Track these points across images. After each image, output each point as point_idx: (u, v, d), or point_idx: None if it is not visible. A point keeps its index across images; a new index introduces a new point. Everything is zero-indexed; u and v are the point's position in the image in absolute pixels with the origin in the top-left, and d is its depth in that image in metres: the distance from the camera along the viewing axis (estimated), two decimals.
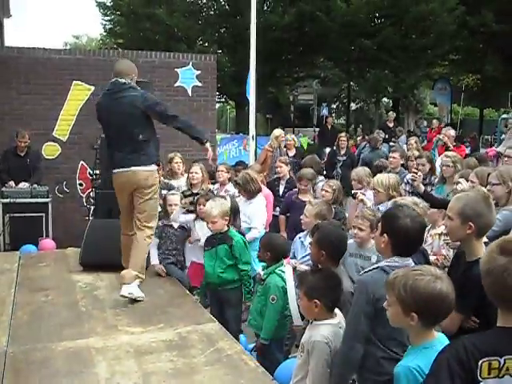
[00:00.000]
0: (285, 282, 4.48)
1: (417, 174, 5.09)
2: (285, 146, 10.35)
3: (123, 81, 5.15)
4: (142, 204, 5.21)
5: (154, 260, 5.89)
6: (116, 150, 5.23)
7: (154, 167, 5.24)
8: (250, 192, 6.40)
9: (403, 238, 3.00)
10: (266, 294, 4.52)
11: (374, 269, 3.02)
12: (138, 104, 5.07)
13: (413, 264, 2.98)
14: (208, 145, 5.28)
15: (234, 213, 5.45)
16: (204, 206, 5.71)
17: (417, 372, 2.33)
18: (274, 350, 4.52)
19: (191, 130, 5.29)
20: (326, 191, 6.09)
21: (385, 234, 3.02)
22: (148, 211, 5.24)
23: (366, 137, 15.26)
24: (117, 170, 5.24)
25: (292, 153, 10.36)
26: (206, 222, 5.35)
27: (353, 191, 5.87)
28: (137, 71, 5.39)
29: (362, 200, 5.60)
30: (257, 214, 6.34)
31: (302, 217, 5.23)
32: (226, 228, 5.25)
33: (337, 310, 3.24)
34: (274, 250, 4.64)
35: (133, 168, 5.13)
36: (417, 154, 7.85)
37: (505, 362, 1.98)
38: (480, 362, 1.98)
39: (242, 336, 4.77)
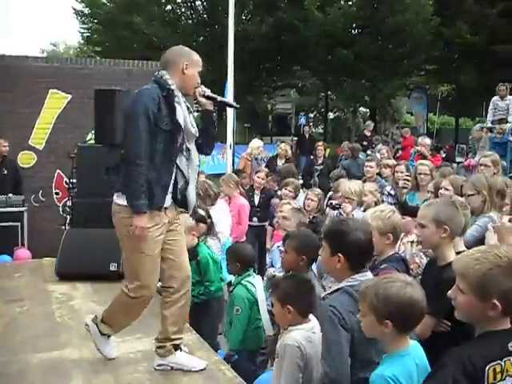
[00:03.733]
0: (250, 293, 4.50)
1: (408, 181, 5.18)
2: (277, 154, 10.47)
3: (155, 73, 3.79)
4: (123, 251, 3.85)
5: None
6: None
7: (118, 206, 3.61)
8: (211, 198, 6.41)
9: (358, 253, 2.92)
10: (233, 306, 4.54)
11: (334, 291, 2.94)
12: (125, 106, 3.75)
13: (371, 276, 2.96)
14: (140, 220, 3.46)
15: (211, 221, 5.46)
16: None
17: (392, 381, 2.34)
18: (244, 361, 4.48)
19: (128, 190, 3.53)
20: (312, 200, 6.11)
21: (339, 254, 2.91)
22: (127, 263, 3.84)
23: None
24: None
25: (282, 161, 10.44)
26: None
27: (333, 202, 5.87)
28: (192, 59, 3.77)
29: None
30: (221, 218, 6.33)
31: (281, 233, 5.19)
32: (194, 242, 5.15)
33: (311, 316, 3.25)
34: (243, 260, 4.66)
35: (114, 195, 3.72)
36: (394, 162, 7.96)
37: (505, 364, 2.04)
38: (486, 369, 2.02)
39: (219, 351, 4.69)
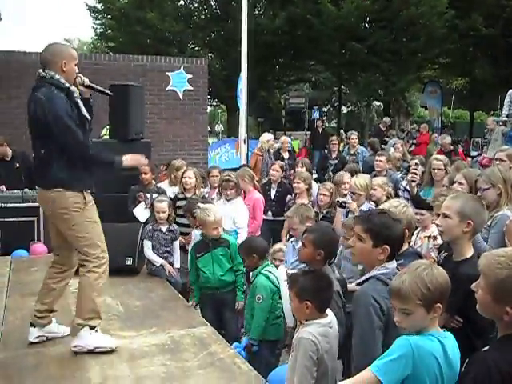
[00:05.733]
0: (271, 282, 4.52)
1: (416, 174, 5.16)
2: (279, 149, 10.45)
3: (43, 74, 3.99)
4: (68, 236, 4.11)
5: (159, 260, 5.94)
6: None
7: (61, 191, 4.00)
8: (238, 190, 6.44)
9: (400, 244, 3.05)
10: (254, 296, 4.55)
11: (366, 280, 2.95)
12: (39, 111, 3.88)
13: (395, 264, 3.00)
14: (126, 159, 4.17)
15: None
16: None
17: (412, 347, 2.34)
18: (264, 352, 4.49)
19: (99, 166, 4.32)
20: (324, 195, 6.10)
21: (385, 245, 2.94)
22: (80, 238, 4.04)
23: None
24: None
25: (286, 155, 10.43)
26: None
27: (340, 199, 5.87)
28: (67, 55, 4.05)
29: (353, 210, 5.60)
30: (242, 213, 6.39)
31: (291, 232, 5.21)
32: (220, 233, 5.28)
33: (328, 310, 3.24)
34: (258, 250, 4.69)
35: (39, 188, 4.22)
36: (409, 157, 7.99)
37: None
38: None
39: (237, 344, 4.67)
